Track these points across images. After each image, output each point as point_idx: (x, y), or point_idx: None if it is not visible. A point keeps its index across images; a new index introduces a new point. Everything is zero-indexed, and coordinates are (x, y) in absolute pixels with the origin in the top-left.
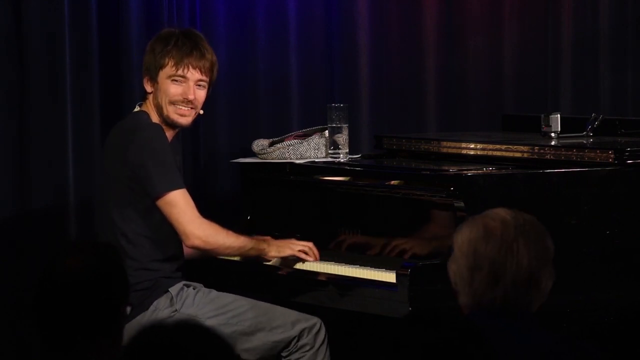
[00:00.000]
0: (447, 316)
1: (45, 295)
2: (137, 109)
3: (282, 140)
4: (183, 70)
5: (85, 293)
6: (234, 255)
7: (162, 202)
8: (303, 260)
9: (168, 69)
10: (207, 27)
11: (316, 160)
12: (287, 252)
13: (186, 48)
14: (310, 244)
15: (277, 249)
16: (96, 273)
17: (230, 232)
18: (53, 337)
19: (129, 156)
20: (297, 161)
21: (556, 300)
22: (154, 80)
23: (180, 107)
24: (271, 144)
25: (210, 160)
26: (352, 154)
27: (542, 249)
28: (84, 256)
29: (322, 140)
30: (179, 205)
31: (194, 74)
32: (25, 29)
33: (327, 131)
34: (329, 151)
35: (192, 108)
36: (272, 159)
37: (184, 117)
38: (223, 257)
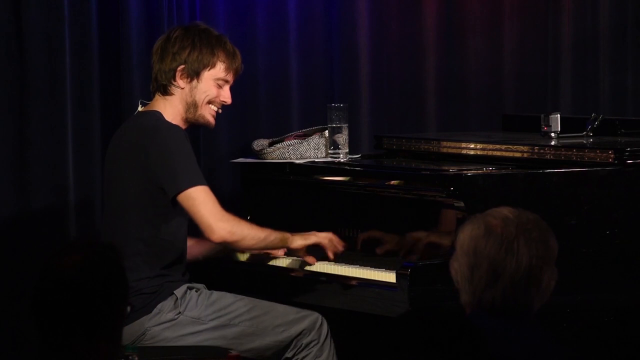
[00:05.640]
0: (446, 316)
1: (43, 294)
2: (140, 107)
3: (282, 140)
4: (229, 77)
5: (84, 292)
6: (258, 248)
7: (184, 197)
8: (309, 262)
9: (216, 72)
10: None
11: (316, 160)
12: (312, 239)
13: (233, 53)
14: (332, 235)
15: (303, 237)
16: (94, 272)
17: (253, 225)
18: (51, 336)
19: (151, 157)
20: (297, 161)
21: (556, 300)
22: (194, 77)
23: (214, 107)
24: (271, 144)
25: (210, 160)
26: (352, 154)
27: (544, 249)
28: (82, 255)
29: (322, 140)
30: (202, 199)
31: (232, 79)
32: (25, 29)
33: (327, 131)
34: (329, 151)
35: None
36: (272, 159)
37: (214, 117)
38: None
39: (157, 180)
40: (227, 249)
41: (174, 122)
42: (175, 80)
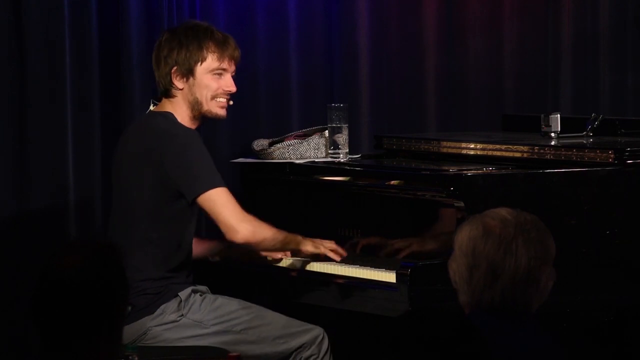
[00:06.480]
0: (446, 316)
1: (43, 294)
2: (152, 107)
3: (282, 140)
4: (225, 64)
5: (84, 292)
6: (275, 250)
7: (204, 200)
8: (309, 261)
9: (209, 63)
10: None
11: (316, 160)
12: (321, 249)
13: (222, 40)
14: (335, 245)
15: (313, 245)
16: (94, 272)
17: (271, 227)
18: (51, 336)
19: (167, 161)
20: (297, 161)
21: (556, 300)
22: (188, 75)
23: (221, 99)
24: (271, 144)
25: None
26: (352, 154)
27: (543, 249)
28: (82, 255)
29: (322, 140)
30: (223, 200)
31: (231, 66)
32: (25, 29)
33: (327, 131)
34: (329, 151)
35: (229, 99)
36: (272, 159)
37: (224, 109)
38: (229, 258)
39: (174, 184)
40: (227, 251)
41: (183, 122)
42: (173, 83)
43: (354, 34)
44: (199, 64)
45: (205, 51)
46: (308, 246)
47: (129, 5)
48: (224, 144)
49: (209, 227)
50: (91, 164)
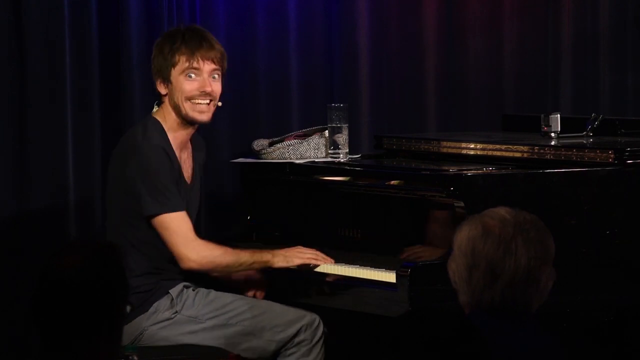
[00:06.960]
0: (446, 316)
1: (43, 294)
2: (155, 109)
3: (282, 140)
4: (197, 63)
5: (84, 292)
6: (236, 272)
7: (155, 222)
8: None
9: (180, 66)
10: (207, 27)
11: (316, 160)
12: (295, 261)
13: (194, 41)
14: (317, 252)
15: (285, 259)
16: (94, 272)
17: (229, 250)
18: (51, 336)
19: (128, 172)
20: (297, 161)
21: (556, 300)
22: (167, 81)
23: (198, 102)
24: (271, 144)
25: (210, 160)
26: (352, 154)
27: (542, 249)
28: (82, 255)
29: (322, 140)
30: (171, 228)
31: (206, 66)
32: (25, 29)
33: (327, 131)
34: (329, 151)
35: (210, 101)
36: (272, 159)
37: (203, 113)
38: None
39: (134, 195)
40: None
41: (171, 128)
42: (158, 90)
43: (354, 34)
44: (173, 68)
45: (176, 55)
46: (279, 262)
47: (129, 5)
48: (224, 144)
49: (207, 228)
50: (91, 164)
